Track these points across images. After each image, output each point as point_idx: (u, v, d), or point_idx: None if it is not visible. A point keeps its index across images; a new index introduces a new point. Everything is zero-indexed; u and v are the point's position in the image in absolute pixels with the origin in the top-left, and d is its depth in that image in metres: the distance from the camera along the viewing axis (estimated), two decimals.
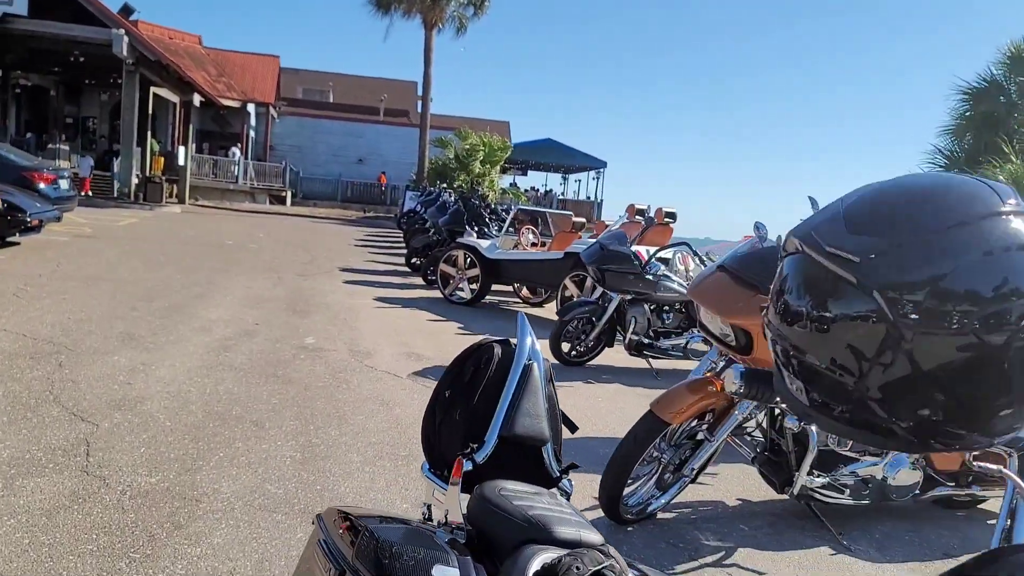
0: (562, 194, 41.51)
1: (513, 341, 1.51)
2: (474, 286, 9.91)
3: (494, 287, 10.05)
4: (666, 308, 6.51)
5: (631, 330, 6.29)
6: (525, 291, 10.85)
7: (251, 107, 34.74)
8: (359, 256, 14.85)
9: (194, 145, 31.03)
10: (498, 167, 24.48)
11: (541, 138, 36.05)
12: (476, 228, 11.22)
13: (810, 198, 3.64)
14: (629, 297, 6.38)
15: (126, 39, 20.22)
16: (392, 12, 26.67)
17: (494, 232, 11.26)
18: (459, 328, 8.25)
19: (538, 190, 36.08)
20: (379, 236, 20.97)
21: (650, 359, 6.53)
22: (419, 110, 46.96)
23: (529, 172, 42.76)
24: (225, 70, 35.18)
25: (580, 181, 42.74)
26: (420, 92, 48.60)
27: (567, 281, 8.55)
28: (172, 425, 4.30)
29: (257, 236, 16.66)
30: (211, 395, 4.92)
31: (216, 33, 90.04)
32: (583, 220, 9.60)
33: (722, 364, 3.72)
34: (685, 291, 6.52)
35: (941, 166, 15.80)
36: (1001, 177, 11.43)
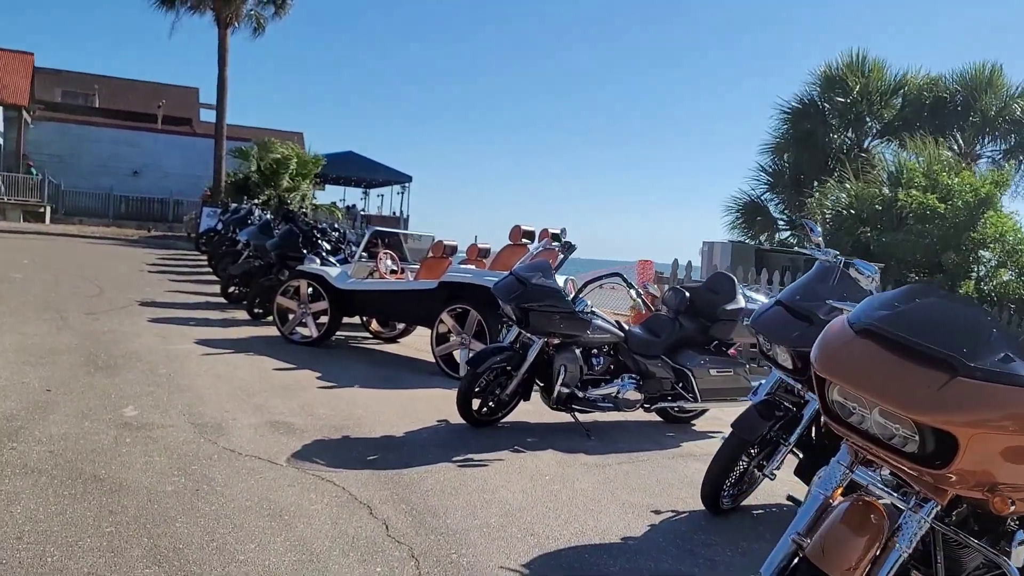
0: (363, 209, 39.69)
1: None
2: (322, 320, 8.36)
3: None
4: (594, 351, 5.48)
5: (560, 380, 5.19)
6: (375, 324, 9.42)
7: None
8: (158, 285, 12.53)
9: None
10: (308, 181, 22.49)
11: (342, 150, 34.17)
12: (309, 252, 9.62)
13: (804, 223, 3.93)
14: (556, 341, 5.28)
15: None
16: (178, 7, 23.78)
17: (329, 258, 9.71)
18: (320, 379, 6.71)
19: (354, 206, 34.09)
20: (174, 259, 18.29)
21: (576, 413, 5.47)
22: (201, 118, 43.37)
23: (327, 186, 40.55)
24: None
25: (383, 196, 41.11)
26: (202, 98, 44.91)
27: (444, 316, 7.29)
28: None
29: (20, 263, 13.68)
30: None
31: None
32: (454, 244, 8.39)
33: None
34: (615, 331, 5.53)
35: (766, 184, 16.32)
36: (842, 196, 11.69)
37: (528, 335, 5.34)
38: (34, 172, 29.39)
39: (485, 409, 5.43)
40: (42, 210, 28.95)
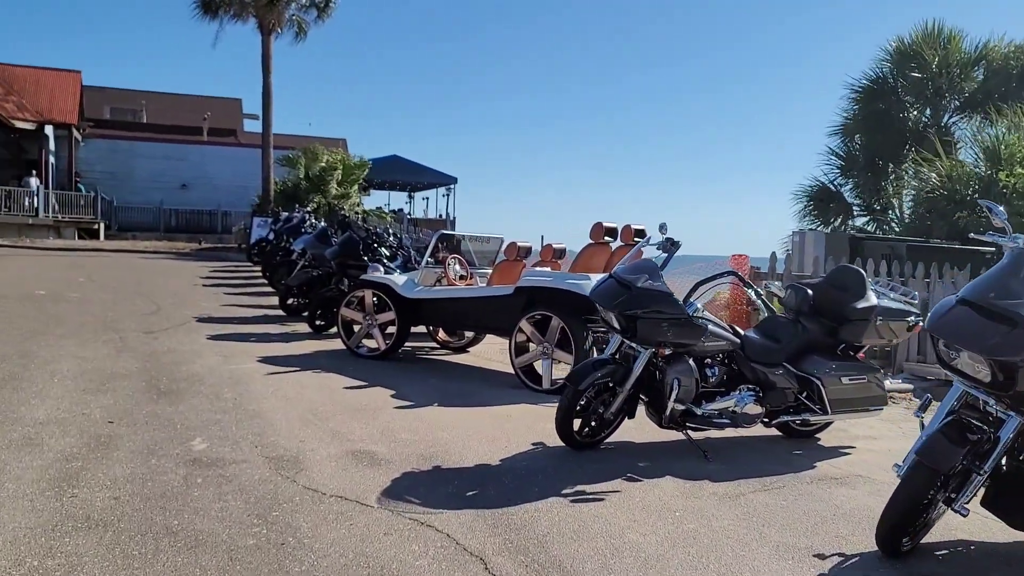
0: (410, 213, 39.36)
1: None
2: (389, 331, 7.86)
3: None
4: (707, 361, 4.85)
5: (674, 396, 4.57)
6: (442, 333, 8.90)
7: (49, 129, 30.16)
8: (213, 299, 12.21)
9: None
10: (356, 187, 22.13)
11: (386, 155, 33.87)
12: (370, 260, 9.15)
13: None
14: (667, 351, 4.66)
15: None
16: (221, 15, 23.63)
17: (390, 264, 9.22)
18: (394, 397, 6.19)
19: (401, 210, 33.80)
20: (227, 272, 18.06)
21: (689, 432, 4.84)
22: (245, 128, 43.51)
23: (372, 191, 40.32)
24: (15, 87, 30.35)
25: (428, 199, 40.72)
26: (245, 109, 45.08)
27: (523, 324, 6.72)
28: None
29: (76, 281, 13.50)
30: None
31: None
32: (528, 245, 7.82)
33: None
34: (731, 337, 4.90)
35: (838, 168, 15.44)
36: (932, 176, 10.82)
37: (633, 345, 4.74)
38: (83, 188, 29.60)
39: (587, 430, 4.83)
40: (96, 227, 29.13)
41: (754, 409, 4.87)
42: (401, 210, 33.12)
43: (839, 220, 15.27)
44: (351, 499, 3.87)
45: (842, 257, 8.74)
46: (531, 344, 6.86)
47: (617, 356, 4.88)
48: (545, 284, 6.70)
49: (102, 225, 29.56)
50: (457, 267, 7.93)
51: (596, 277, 6.67)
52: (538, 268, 7.30)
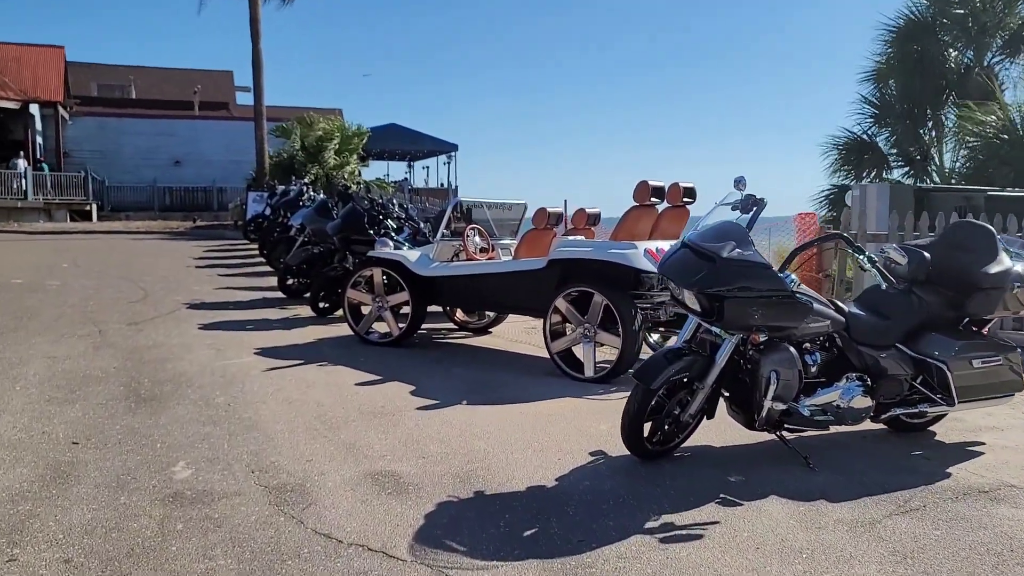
0: (411, 183, 38.22)
1: None
2: (404, 312, 6.94)
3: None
4: (806, 346, 3.92)
5: (771, 393, 3.65)
6: (460, 313, 7.97)
7: (35, 108, 29.07)
8: (208, 282, 11.26)
9: None
10: (355, 156, 21.04)
11: (384, 123, 32.65)
12: (379, 234, 8.20)
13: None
14: (763, 337, 3.72)
15: None
16: None
17: (398, 238, 8.27)
18: (415, 395, 5.28)
19: (405, 179, 32.71)
20: (222, 250, 17.09)
21: (783, 433, 3.93)
22: (237, 102, 42.15)
23: (370, 162, 39.18)
24: None
25: (428, 168, 39.66)
26: (237, 82, 43.69)
27: (559, 302, 5.79)
28: None
29: (59, 267, 12.55)
30: None
31: None
32: (559, 211, 6.85)
33: None
34: (835, 315, 3.95)
35: (871, 117, 14.36)
36: (991, 119, 9.78)
37: (715, 330, 3.80)
38: (46, 168, 28.09)
39: (658, 435, 3.92)
40: (88, 208, 28.11)
41: (863, 402, 3.94)
42: (405, 179, 32.01)
43: (874, 173, 14.24)
44: (376, 548, 2.97)
45: (906, 212, 7.76)
46: (568, 325, 5.94)
47: (692, 344, 3.95)
48: (585, 255, 5.75)
49: (94, 206, 28.53)
50: (477, 239, 6.97)
51: (643, 245, 5.74)
52: (572, 238, 6.33)
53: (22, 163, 26.69)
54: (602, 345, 5.79)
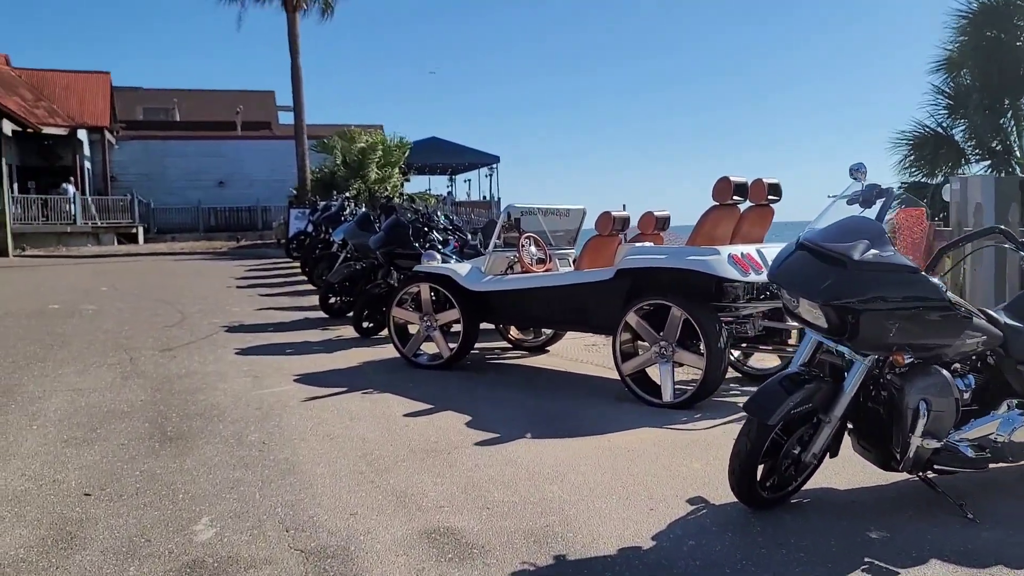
0: (453, 196, 37.83)
1: None
2: (455, 331, 6.33)
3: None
4: (956, 367, 3.19)
5: (920, 428, 2.94)
6: (514, 330, 7.33)
7: (83, 134, 29.33)
8: (248, 303, 10.81)
9: (15, 184, 25.49)
10: (396, 169, 20.65)
11: (425, 137, 32.34)
12: (424, 248, 7.63)
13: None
14: (909, 359, 3.00)
15: None
16: None
17: (445, 251, 7.68)
18: (472, 427, 4.64)
19: (450, 193, 32.36)
20: (265, 269, 16.73)
21: (931, 477, 3.20)
22: (280, 121, 42.36)
23: (411, 176, 38.92)
24: (44, 93, 29.59)
25: (470, 181, 39.23)
26: (279, 101, 43.95)
27: (630, 317, 5.11)
28: None
29: (98, 291, 12.24)
30: None
31: (26, 52, 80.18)
32: (626, 215, 6.19)
33: None
34: (992, 329, 3.20)
35: (945, 109, 13.39)
36: None
37: (842, 351, 3.09)
38: (70, 191, 28.13)
39: (773, 479, 3.22)
40: (134, 231, 28.25)
41: None
42: (450, 192, 31.59)
43: (949, 168, 13.25)
44: None
45: (1011, 204, 6.94)
46: (640, 343, 5.25)
47: (811, 367, 3.24)
48: (659, 264, 5.06)
49: (141, 229, 28.67)
50: (534, 249, 6.32)
51: (726, 250, 5.03)
52: (638, 244, 5.65)
53: (71, 188, 26.91)
54: (681, 365, 5.09)
